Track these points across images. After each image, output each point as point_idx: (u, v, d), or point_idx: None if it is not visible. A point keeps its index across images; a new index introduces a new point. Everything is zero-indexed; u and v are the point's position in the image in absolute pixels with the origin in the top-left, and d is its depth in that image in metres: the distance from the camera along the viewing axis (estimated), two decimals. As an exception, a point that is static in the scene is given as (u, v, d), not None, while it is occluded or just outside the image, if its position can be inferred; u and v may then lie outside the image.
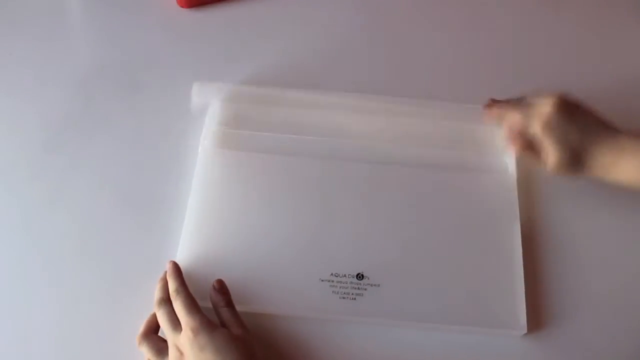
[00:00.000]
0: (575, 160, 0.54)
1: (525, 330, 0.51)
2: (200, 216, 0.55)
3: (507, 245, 0.55)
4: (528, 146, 0.56)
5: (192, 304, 0.48)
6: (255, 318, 0.51)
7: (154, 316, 0.50)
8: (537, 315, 0.53)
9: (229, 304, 0.50)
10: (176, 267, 0.52)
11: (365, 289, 0.52)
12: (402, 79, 0.66)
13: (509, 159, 0.59)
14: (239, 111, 0.62)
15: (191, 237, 0.54)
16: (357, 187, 0.57)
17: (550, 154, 0.54)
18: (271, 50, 0.68)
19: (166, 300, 0.50)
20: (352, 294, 0.52)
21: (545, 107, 0.54)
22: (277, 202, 0.56)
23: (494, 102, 0.60)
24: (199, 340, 0.46)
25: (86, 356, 0.51)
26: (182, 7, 0.71)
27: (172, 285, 0.50)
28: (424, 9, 0.73)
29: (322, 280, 0.52)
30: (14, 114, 0.63)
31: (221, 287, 0.51)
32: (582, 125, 0.54)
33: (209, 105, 0.62)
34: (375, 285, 0.52)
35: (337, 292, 0.52)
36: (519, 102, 0.58)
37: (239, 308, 0.50)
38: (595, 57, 0.70)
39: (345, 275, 0.52)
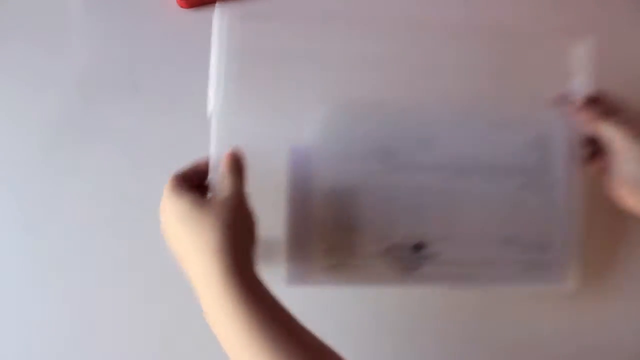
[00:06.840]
0: None
1: (577, 286, 0.53)
2: None
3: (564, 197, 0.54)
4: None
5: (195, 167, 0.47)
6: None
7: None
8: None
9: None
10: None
11: (426, 258, 0.52)
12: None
13: None
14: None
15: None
16: None
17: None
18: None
19: None
20: (412, 264, 0.52)
21: None
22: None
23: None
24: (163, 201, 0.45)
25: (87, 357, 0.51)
26: (182, 7, 0.70)
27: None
28: None
29: (381, 252, 0.51)
30: (12, 115, 0.61)
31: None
32: None
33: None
34: (435, 253, 0.52)
35: (397, 263, 0.51)
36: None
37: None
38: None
39: (403, 246, 0.52)
